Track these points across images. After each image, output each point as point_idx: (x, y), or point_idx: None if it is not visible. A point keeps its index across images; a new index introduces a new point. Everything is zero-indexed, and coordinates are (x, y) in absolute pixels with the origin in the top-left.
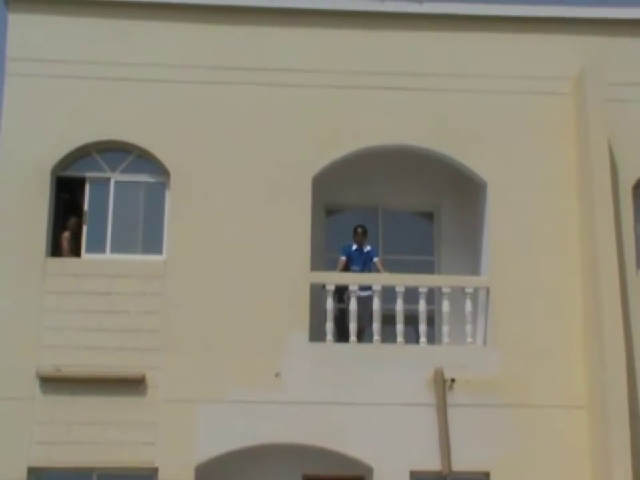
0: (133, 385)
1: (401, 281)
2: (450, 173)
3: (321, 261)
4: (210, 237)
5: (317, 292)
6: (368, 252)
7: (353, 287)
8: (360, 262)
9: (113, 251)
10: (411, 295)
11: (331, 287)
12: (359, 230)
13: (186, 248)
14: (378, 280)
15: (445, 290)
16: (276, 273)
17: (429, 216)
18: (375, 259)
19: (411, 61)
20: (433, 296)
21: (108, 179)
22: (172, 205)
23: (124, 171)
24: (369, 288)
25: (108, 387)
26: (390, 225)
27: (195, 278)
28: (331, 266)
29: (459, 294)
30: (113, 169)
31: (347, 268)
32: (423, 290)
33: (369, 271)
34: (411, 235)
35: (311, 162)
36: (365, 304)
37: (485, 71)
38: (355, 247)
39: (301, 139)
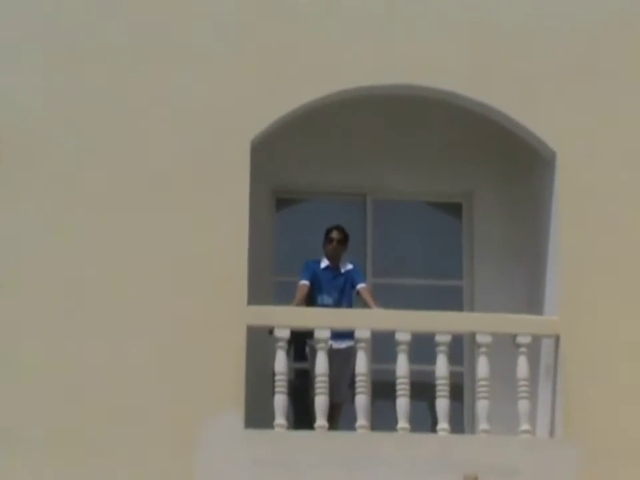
0: None
1: (406, 322)
2: (490, 141)
3: (266, 286)
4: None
5: (259, 341)
6: (348, 273)
7: (321, 334)
8: (334, 289)
9: None
10: (423, 347)
11: (283, 333)
12: (334, 235)
13: None
14: (365, 321)
15: (481, 339)
16: (188, 309)
17: (453, 210)
18: (360, 286)
19: None
20: (459, 349)
21: None
22: None
23: None
24: (348, 335)
25: None
26: (386, 226)
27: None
28: (283, 295)
29: (505, 346)
30: None
31: (311, 299)
32: (442, 339)
33: (349, 305)
34: (424, 243)
35: (248, 119)
36: (341, 363)
37: None
38: (325, 263)
39: (235, 85)
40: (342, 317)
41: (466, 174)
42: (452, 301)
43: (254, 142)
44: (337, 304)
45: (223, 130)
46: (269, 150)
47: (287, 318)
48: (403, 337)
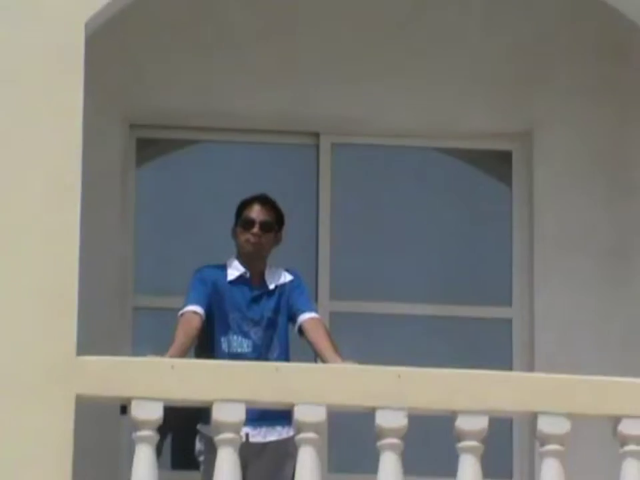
0: None
1: (398, 391)
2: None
3: (119, 311)
4: None
5: (106, 424)
6: (282, 290)
7: (227, 414)
8: (254, 323)
9: None
10: (431, 442)
11: (148, 413)
12: (255, 214)
13: None
14: (316, 390)
15: (549, 428)
16: None
17: (495, 162)
18: (307, 316)
19: None
20: (503, 442)
21: None
22: None
23: None
24: (280, 418)
25: None
26: (357, 194)
27: None
28: (150, 330)
29: (593, 439)
30: None
31: (207, 342)
32: (471, 426)
33: (284, 354)
34: (435, 230)
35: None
36: (265, 470)
37: None
38: (235, 271)
39: None
40: (269, 381)
41: (522, 100)
42: (489, 337)
43: (89, 28)
44: (259, 352)
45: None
46: (125, 57)
47: (158, 382)
48: (392, 421)
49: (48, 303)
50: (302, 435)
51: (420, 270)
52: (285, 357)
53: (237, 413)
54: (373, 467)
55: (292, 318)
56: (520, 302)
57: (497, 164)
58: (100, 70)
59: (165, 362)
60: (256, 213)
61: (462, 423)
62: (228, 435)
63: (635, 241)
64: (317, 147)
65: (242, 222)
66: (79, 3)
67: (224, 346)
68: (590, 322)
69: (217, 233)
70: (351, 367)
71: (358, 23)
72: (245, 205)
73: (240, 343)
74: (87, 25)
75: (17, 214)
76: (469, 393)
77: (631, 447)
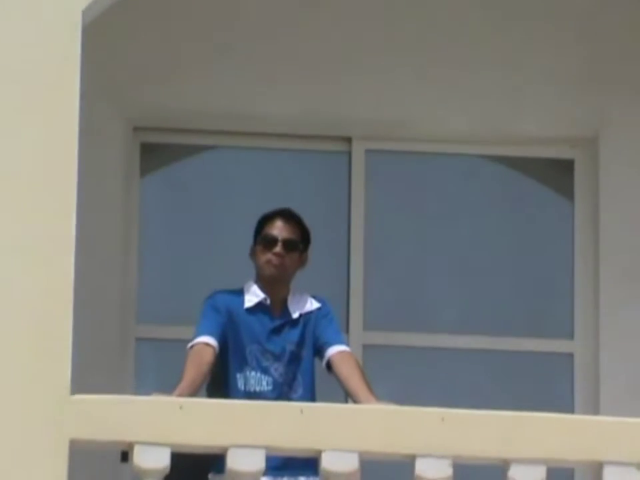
0: None
1: (440, 437)
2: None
3: (121, 341)
4: None
5: (103, 472)
6: (308, 319)
7: (244, 462)
8: (275, 357)
9: None
10: None
11: (153, 461)
12: (277, 231)
13: None
14: (347, 434)
15: None
16: None
17: (556, 173)
18: (337, 349)
19: None
20: None
21: None
22: None
23: None
24: (306, 468)
25: None
26: (394, 207)
27: None
28: (153, 364)
29: None
30: None
31: (220, 379)
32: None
33: (310, 392)
34: (484, 247)
35: None
36: None
37: None
38: (254, 297)
39: None
40: (292, 424)
41: (587, 102)
42: (547, 374)
43: (87, 17)
44: (280, 390)
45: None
46: (128, 52)
47: (164, 424)
48: (434, 471)
49: (38, 334)
50: None
51: (466, 296)
52: (310, 396)
53: (255, 461)
54: None
55: (319, 351)
56: (583, 334)
57: (557, 174)
58: (100, 66)
59: (172, 401)
60: (278, 229)
61: (515, 474)
62: None
63: None
64: (349, 153)
65: (262, 240)
66: None
67: (240, 383)
68: None
69: (233, 253)
70: (387, 409)
71: (396, 12)
72: (265, 220)
73: (258, 380)
74: (84, 13)
75: (2, 232)
76: (524, 439)
77: None
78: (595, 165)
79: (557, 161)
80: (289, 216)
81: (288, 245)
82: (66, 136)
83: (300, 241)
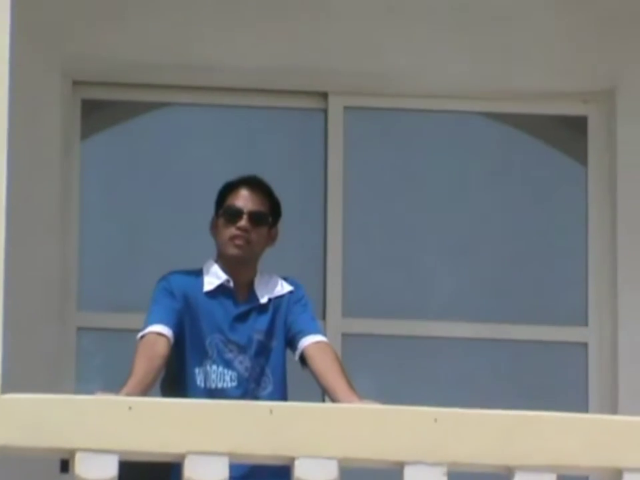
0: None
1: (435, 441)
2: None
3: (59, 326)
4: None
5: None
6: (278, 303)
7: (202, 468)
8: (239, 348)
9: None
10: None
11: (97, 470)
12: (241, 202)
13: None
14: (321, 437)
15: None
16: None
17: (567, 132)
18: (311, 339)
19: None
20: None
21: None
22: None
23: None
24: (275, 474)
25: None
26: (370, 170)
27: None
28: (100, 355)
29: None
30: None
31: (176, 373)
32: None
33: (280, 389)
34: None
35: None
36: None
37: None
38: (214, 279)
39: None
40: (260, 427)
41: (602, 51)
42: (557, 366)
43: None
44: (245, 388)
45: None
46: None
47: (110, 428)
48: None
49: None
50: None
51: (461, 278)
52: (281, 394)
53: (217, 470)
54: None
55: (291, 342)
56: (598, 320)
57: (567, 133)
58: (33, 4)
59: (119, 401)
60: (243, 200)
61: None
62: None
63: None
64: (325, 111)
65: (224, 212)
66: None
67: (199, 379)
68: None
69: (190, 228)
70: (371, 408)
71: None
72: (228, 190)
73: (220, 376)
74: None
75: None
76: (530, 443)
77: None
78: (611, 122)
79: (568, 118)
80: (255, 184)
81: (255, 218)
82: None
83: (269, 214)
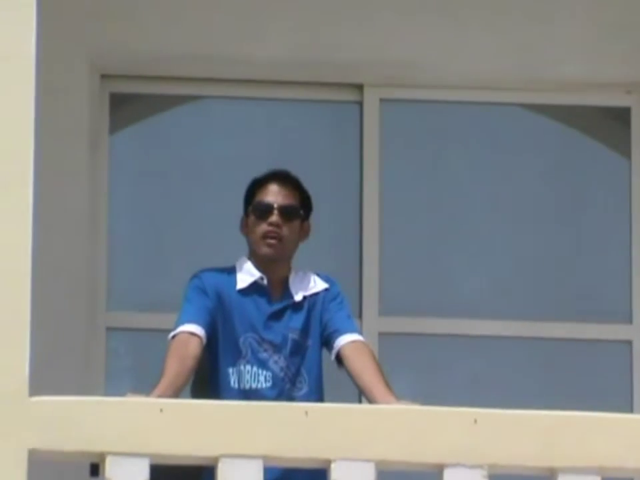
0: None
1: (473, 446)
2: None
3: (90, 329)
4: None
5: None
6: (313, 301)
7: (235, 477)
8: (274, 348)
9: None
10: None
11: (132, 474)
12: (271, 197)
13: None
14: (361, 439)
15: None
16: None
17: (609, 124)
18: (348, 338)
19: None
20: None
21: None
22: None
23: None
24: (311, 477)
25: None
26: (405, 166)
27: None
28: (128, 357)
29: None
30: None
31: (209, 374)
32: None
33: (317, 390)
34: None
35: None
36: None
37: None
38: (247, 277)
39: None
40: (296, 429)
41: None
42: (601, 365)
43: None
44: (280, 388)
45: None
46: None
47: (142, 431)
48: None
49: None
50: None
51: (500, 273)
52: (317, 395)
53: (251, 474)
54: None
55: (327, 341)
56: None
57: (610, 125)
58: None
59: (151, 403)
60: (273, 195)
61: None
62: None
63: None
64: (361, 103)
65: (254, 209)
66: None
67: (232, 380)
68: None
69: (222, 226)
70: (409, 409)
71: None
72: (256, 185)
73: (255, 376)
74: None
75: None
76: (573, 444)
77: None
78: None
79: (611, 109)
80: (284, 178)
81: (286, 212)
82: (20, 85)
83: (300, 207)
